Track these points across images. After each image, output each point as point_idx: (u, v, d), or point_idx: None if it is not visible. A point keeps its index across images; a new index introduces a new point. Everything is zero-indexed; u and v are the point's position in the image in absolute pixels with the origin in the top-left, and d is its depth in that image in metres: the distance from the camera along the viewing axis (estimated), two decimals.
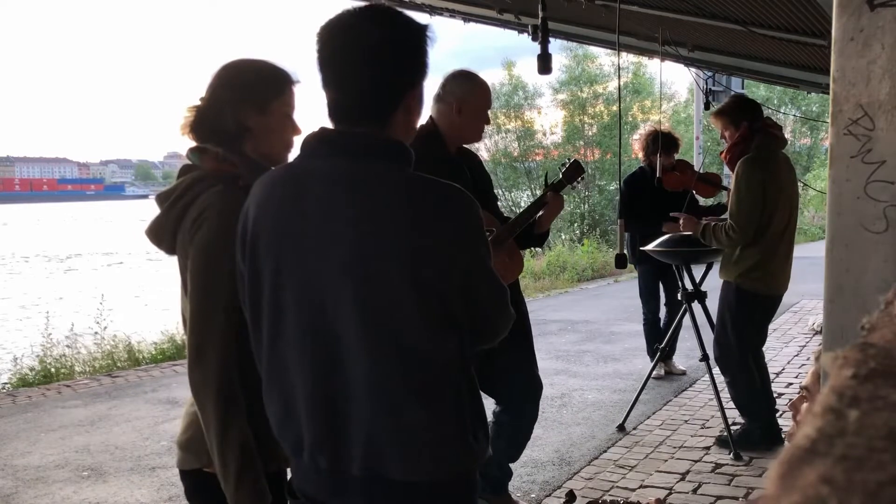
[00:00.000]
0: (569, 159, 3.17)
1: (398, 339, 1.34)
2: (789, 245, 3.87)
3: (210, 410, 1.54)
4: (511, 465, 3.28)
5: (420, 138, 2.84)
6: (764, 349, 4.14)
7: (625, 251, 3.72)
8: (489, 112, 2.98)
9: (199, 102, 1.69)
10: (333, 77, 1.37)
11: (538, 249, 12.86)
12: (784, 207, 3.76)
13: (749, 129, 3.79)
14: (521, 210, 3.04)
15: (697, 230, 3.90)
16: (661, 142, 4.92)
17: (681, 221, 4.02)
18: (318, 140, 1.41)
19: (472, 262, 1.38)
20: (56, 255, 27.56)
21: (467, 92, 2.81)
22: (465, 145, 3.01)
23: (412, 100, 1.41)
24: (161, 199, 1.68)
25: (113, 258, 25.19)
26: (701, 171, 5.31)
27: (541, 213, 2.99)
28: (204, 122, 1.67)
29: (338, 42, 1.36)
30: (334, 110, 1.39)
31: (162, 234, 1.67)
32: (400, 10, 1.41)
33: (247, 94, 1.65)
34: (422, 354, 1.36)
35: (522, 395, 3.10)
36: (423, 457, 1.38)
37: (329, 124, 1.42)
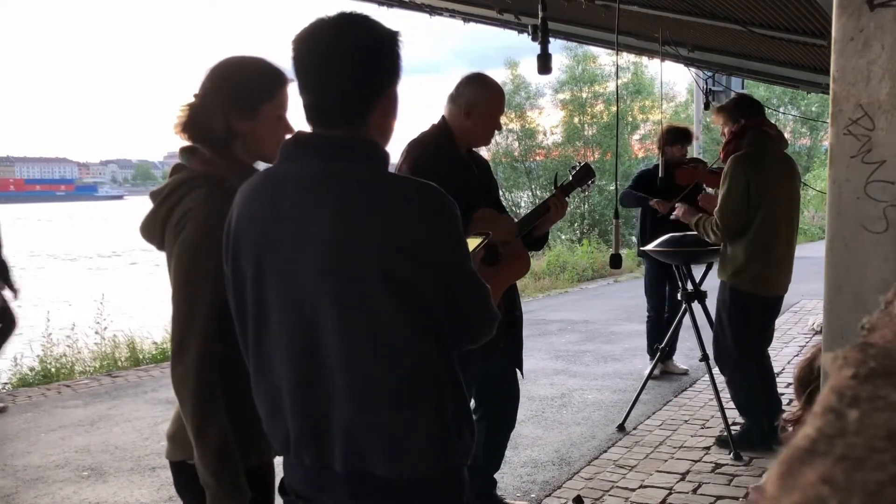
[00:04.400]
0: (579, 163, 3.18)
1: (376, 337, 1.38)
2: (787, 246, 3.86)
3: (189, 407, 1.58)
4: (507, 468, 3.27)
5: (432, 137, 2.86)
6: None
7: (620, 251, 3.73)
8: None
9: (192, 100, 1.70)
10: (309, 83, 1.42)
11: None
12: (774, 207, 3.74)
13: (743, 127, 3.81)
14: (527, 212, 3.03)
15: (692, 220, 3.96)
16: (675, 134, 4.94)
17: (680, 212, 4.07)
18: (294, 143, 1.46)
19: (447, 259, 1.40)
20: (100, 252, 27.51)
21: (478, 97, 2.81)
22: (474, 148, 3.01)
23: (387, 101, 1.45)
24: (153, 196, 1.72)
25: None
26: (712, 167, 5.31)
27: (546, 215, 2.99)
28: (195, 123, 1.69)
29: (312, 49, 1.41)
30: (311, 114, 1.44)
31: (152, 231, 1.71)
32: (373, 16, 1.45)
33: (236, 99, 1.66)
34: (400, 352, 1.39)
35: (501, 403, 3.10)
36: (404, 454, 1.41)
37: (307, 128, 1.46)
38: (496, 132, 3.02)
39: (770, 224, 3.75)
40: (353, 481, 1.42)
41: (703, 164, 5.08)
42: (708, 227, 3.83)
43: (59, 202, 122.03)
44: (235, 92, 1.67)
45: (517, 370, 3.08)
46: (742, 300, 3.82)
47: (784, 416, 1.76)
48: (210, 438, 1.57)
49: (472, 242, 2.49)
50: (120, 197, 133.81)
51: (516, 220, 2.96)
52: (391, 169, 1.50)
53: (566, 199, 3.02)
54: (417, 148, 2.80)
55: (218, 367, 1.59)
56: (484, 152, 3.16)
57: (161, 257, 1.71)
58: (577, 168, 3.10)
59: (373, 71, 1.42)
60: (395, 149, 2.97)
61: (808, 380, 1.85)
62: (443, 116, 2.87)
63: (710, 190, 5.28)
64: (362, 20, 1.42)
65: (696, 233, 4.00)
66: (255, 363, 1.48)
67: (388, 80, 1.44)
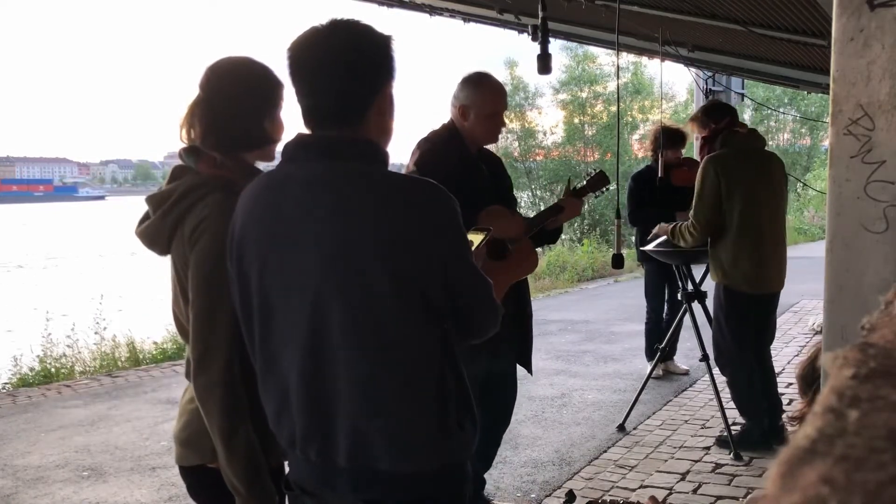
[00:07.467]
0: (595, 169, 3.17)
1: (380, 333, 1.40)
2: (775, 242, 3.85)
3: (216, 415, 1.57)
4: (507, 468, 3.26)
5: (441, 136, 2.87)
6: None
7: (621, 251, 3.74)
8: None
9: (203, 103, 1.66)
10: (307, 88, 1.45)
11: (538, 249, 12.86)
12: (753, 205, 3.74)
13: (713, 130, 3.89)
14: (539, 211, 3.04)
15: (668, 231, 4.04)
16: (669, 136, 4.94)
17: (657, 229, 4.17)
18: (296, 145, 1.48)
19: (448, 254, 1.43)
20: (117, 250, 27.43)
21: (470, 97, 2.81)
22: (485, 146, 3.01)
23: (383, 100, 1.48)
24: (155, 202, 1.65)
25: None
26: None
27: (559, 215, 2.99)
28: (226, 128, 1.65)
29: (308, 56, 1.44)
30: (311, 117, 1.46)
31: (156, 237, 1.66)
32: (369, 19, 1.49)
33: (269, 104, 1.68)
34: (404, 347, 1.41)
35: (499, 399, 3.09)
36: (408, 448, 1.43)
37: (305, 131, 1.49)
38: (502, 129, 3.02)
39: (752, 222, 3.75)
40: (357, 475, 1.44)
41: (697, 165, 5.07)
42: (684, 231, 3.88)
43: (38, 203, 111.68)
44: (267, 98, 1.68)
45: (519, 367, 3.07)
46: (736, 299, 3.83)
47: (789, 413, 1.76)
48: (239, 445, 1.57)
49: (474, 237, 2.49)
50: (101, 198, 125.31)
51: (527, 218, 2.96)
52: (399, 168, 1.52)
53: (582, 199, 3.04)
54: (426, 146, 2.82)
55: (241, 373, 1.59)
56: None
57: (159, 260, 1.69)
58: (593, 174, 3.10)
59: (367, 71, 1.45)
60: (402, 148, 2.97)
61: (812, 377, 1.85)
62: (451, 118, 2.89)
63: None
64: (354, 25, 1.46)
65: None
66: (262, 362, 1.50)
67: (383, 80, 1.47)
